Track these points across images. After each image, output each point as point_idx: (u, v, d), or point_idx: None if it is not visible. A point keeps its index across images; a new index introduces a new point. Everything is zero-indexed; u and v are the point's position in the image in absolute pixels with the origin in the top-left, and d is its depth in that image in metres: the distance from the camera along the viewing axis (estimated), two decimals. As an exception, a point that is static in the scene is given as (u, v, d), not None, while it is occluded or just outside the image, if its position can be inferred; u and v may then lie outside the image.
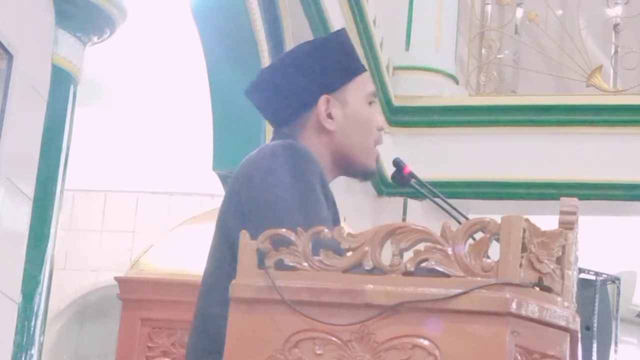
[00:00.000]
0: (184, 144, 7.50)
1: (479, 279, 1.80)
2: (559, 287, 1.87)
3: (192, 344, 2.32)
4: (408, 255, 1.86)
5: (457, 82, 7.60)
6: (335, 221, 2.28)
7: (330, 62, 2.46)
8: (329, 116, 2.43)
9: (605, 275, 6.52)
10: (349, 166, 2.47)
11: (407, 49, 7.44)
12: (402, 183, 2.56)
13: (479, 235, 1.84)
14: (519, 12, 7.99)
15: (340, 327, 1.83)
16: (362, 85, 2.49)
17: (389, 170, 2.60)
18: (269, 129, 5.29)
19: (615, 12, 7.81)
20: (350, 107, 2.45)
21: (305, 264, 1.88)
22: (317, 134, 2.42)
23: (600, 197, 6.98)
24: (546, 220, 2.04)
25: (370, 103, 2.49)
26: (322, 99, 2.42)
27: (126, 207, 8.31)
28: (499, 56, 8.06)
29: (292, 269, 1.88)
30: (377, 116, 2.51)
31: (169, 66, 6.74)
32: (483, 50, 7.98)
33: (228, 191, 2.35)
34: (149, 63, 6.81)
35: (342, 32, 2.54)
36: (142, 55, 6.72)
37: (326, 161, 2.41)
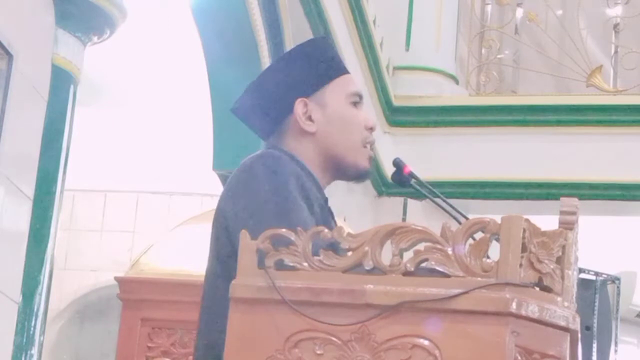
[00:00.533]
0: (184, 144, 7.49)
1: (479, 279, 1.80)
2: (559, 287, 1.87)
3: (195, 345, 2.37)
4: (408, 255, 1.86)
5: (457, 82, 7.60)
6: (325, 223, 2.27)
7: (305, 67, 2.48)
8: (309, 119, 2.44)
9: (605, 275, 6.52)
10: (339, 167, 2.47)
11: (407, 49, 7.44)
12: (402, 183, 2.56)
13: (479, 235, 1.84)
14: (519, 12, 7.99)
15: (340, 327, 1.83)
16: (342, 86, 2.49)
17: (389, 170, 2.60)
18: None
19: (615, 12, 7.81)
20: (330, 108, 2.46)
21: (305, 264, 1.88)
22: (300, 138, 2.44)
23: (600, 197, 6.98)
24: (546, 220, 2.04)
25: (354, 104, 2.49)
26: (298, 102, 2.44)
27: (126, 207, 8.31)
28: (499, 56, 8.06)
29: (292, 269, 1.88)
30: (365, 116, 2.51)
31: (169, 66, 6.74)
32: (483, 50, 7.98)
33: (217, 204, 2.38)
34: (148, 63, 6.81)
35: (318, 38, 2.59)
36: (142, 55, 6.72)
37: (315, 165, 2.42)
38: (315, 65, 2.49)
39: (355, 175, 2.50)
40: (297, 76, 2.46)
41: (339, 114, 2.46)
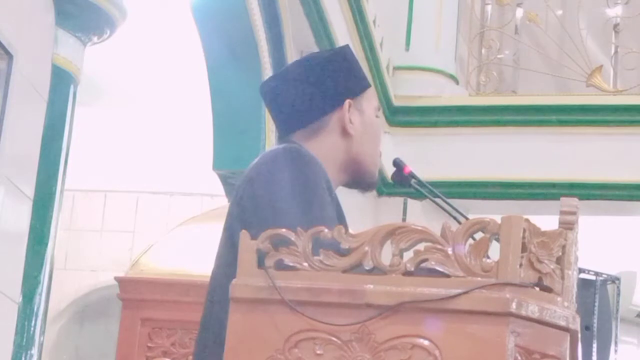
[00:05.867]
0: (184, 144, 7.50)
1: (479, 279, 1.80)
2: (559, 287, 1.87)
3: (198, 341, 2.33)
4: (408, 255, 1.86)
5: (457, 82, 7.59)
6: (342, 223, 2.27)
7: (354, 69, 2.52)
8: (349, 121, 2.46)
9: (605, 275, 6.53)
10: (358, 173, 2.49)
11: (407, 49, 7.44)
12: (402, 183, 2.57)
13: (479, 235, 1.84)
14: (519, 12, 7.99)
15: (340, 327, 1.83)
16: (372, 98, 2.54)
17: (389, 170, 2.61)
18: (269, 129, 5.30)
19: (615, 12, 7.80)
20: (366, 116, 2.49)
21: (305, 264, 1.88)
22: (336, 138, 2.45)
23: (600, 197, 6.97)
24: (546, 220, 2.04)
25: (376, 117, 2.54)
26: (348, 102, 2.45)
27: (126, 207, 8.31)
28: (499, 56, 8.05)
29: (292, 269, 1.88)
30: None
31: (169, 66, 6.74)
32: (483, 50, 7.98)
33: (233, 196, 2.36)
34: (149, 63, 6.81)
35: (349, 48, 2.58)
36: (142, 55, 6.72)
37: (335, 165, 2.43)
38: (358, 70, 2.53)
39: (368, 184, 2.55)
40: (347, 75, 2.48)
41: (372, 123, 2.51)
